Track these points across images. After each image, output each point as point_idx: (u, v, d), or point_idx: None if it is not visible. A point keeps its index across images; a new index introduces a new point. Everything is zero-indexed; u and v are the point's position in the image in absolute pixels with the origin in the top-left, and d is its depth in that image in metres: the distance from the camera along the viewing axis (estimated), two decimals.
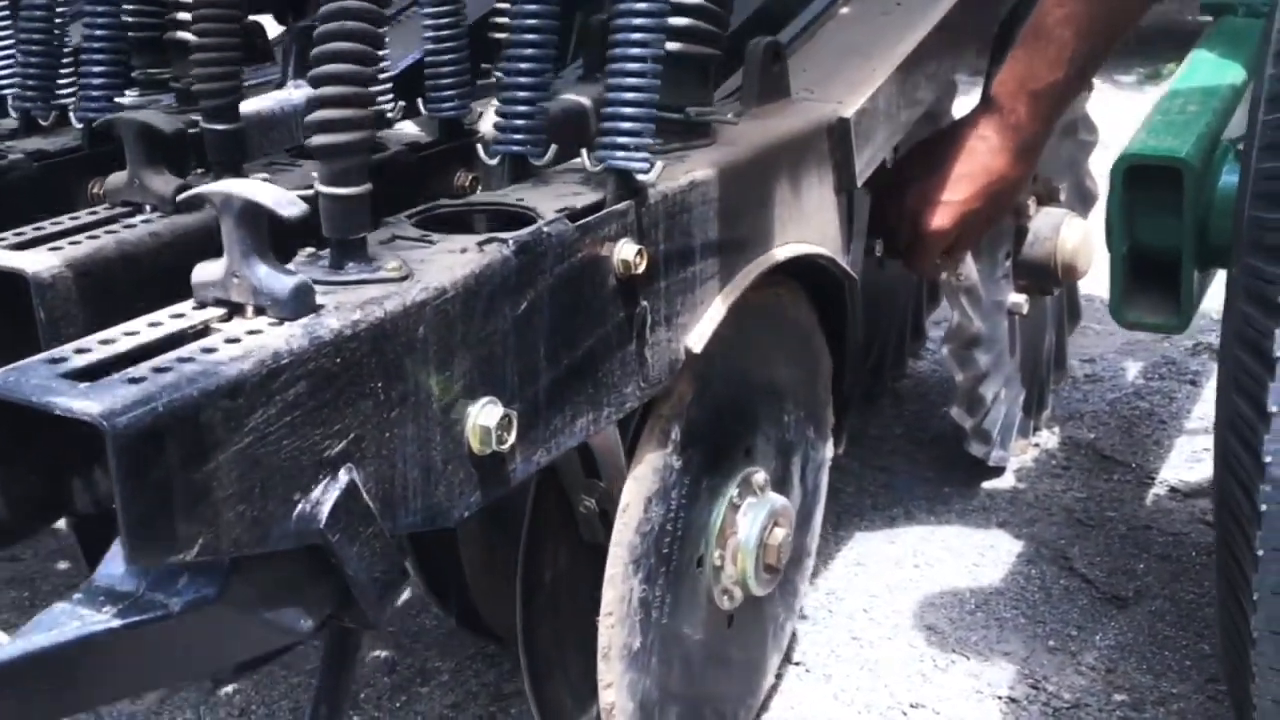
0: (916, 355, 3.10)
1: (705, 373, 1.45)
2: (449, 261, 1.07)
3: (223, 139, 1.33)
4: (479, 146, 1.31)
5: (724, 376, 1.51)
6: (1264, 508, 1.08)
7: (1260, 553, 1.10)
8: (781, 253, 1.50)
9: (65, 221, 1.25)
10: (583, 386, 1.22)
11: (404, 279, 1.02)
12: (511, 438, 1.11)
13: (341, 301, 0.98)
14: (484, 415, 1.09)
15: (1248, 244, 1.16)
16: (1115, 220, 1.59)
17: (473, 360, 1.08)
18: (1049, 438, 2.71)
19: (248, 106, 1.52)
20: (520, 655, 1.48)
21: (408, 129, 1.62)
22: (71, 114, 1.55)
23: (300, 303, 0.94)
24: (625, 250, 1.23)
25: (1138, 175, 1.58)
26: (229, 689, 1.99)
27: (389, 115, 1.56)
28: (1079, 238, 2.37)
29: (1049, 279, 2.40)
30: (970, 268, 2.25)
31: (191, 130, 1.33)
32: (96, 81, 1.53)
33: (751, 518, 1.57)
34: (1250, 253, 1.15)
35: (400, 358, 1.00)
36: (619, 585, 1.38)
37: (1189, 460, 2.58)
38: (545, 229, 1.14)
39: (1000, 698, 1.88)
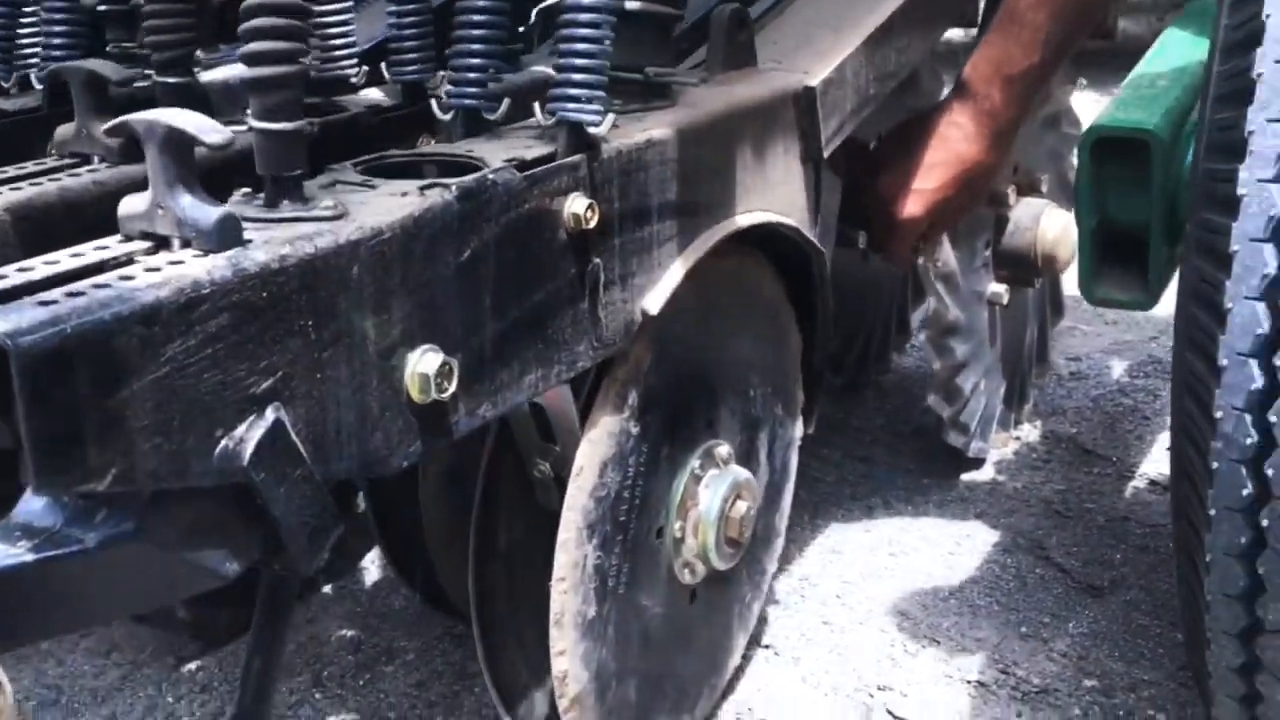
0: (901, 350, 3.09)
1: (664, 339, 1.43)
2: (388, 204, 1.05)
3: (175, 92, 1.31)
4: (433, 102, 1.29)
5: (684, 344, 1.49)
6: (1215, 465, 1.06)
7: (1212, 512, 1.08)
8: (744, 219, 1.48)
9: (9, 170, 1.23)
10: (531, 341, 1.20)
11: (338, 218, 1.01)
12: (452, 387, 1.09)
13: (271, 237, 0.96)
14: (423, 363, 1.07)
15: (1201, 197, 1.14)
16: (1084, 195, 1.57)
17: (412, 306, 1.06)
18: (1030, 431, 2.68)
19: (214, 74, 1.51)
20: (473, 624, 1.46)
21: (372, 95, 1.60)
22: (33, 75, 1.54)
23: (226, 234, 0.92)
24: (576, 204, 1.21)
25: (1107, 149, 1.56)
26: (192, 666, 1.97)
27: (353, 80, 1.54)
28: (1060, 228, 2.35)
29: (1029, 270, 2.38)
30: (949, 255, 2.23)
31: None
32: (57, 41, 1.52)
33: (713, 490, 1.55)
34: (1203, 206, 1.14)
35: (333, 297, 0.99)
36: (572, 550, 1.36)
37: (1169, 455, 2.55)
38: (491, 176, 1.12)
39: (969, 682, 1.86)
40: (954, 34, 2.30)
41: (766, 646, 1.96)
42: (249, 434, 0.93)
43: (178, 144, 0.90)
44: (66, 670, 1.96)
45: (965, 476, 2.50)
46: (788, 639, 1.98)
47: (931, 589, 2.11)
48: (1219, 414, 1.04)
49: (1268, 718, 1.17)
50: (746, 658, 1.89)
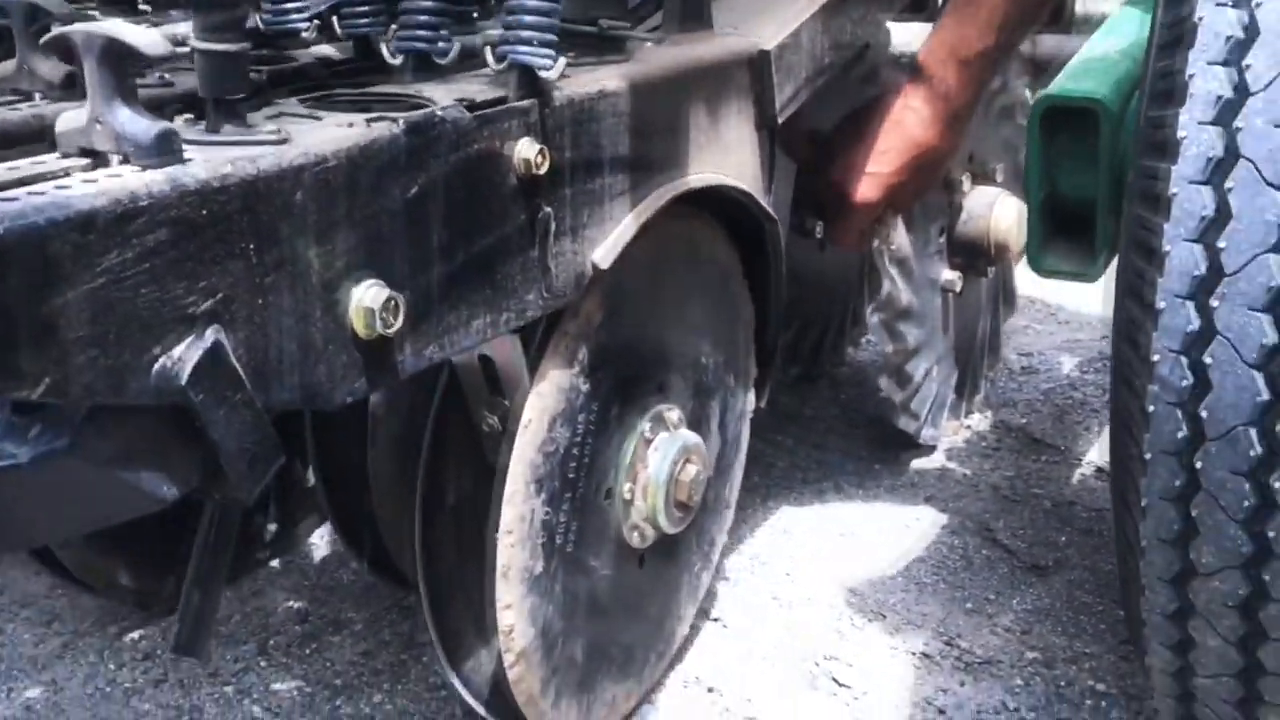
0: (855, 343, 3.10)
1: (615, 297, 1.43)
2: (334, 134, 1.05)
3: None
4: (384, 46, 1.29)
5: (636, 304, 1.49)
6: (1151, 408, 1.07)
7: (1148, 456, 1.09)
8: (697, 180, 1.49)
9: None
10: (480, 285, 1.20)
11: (282, 142, 1.00)
12: (398, 323, 1.09)
13: (212, 156, 0.96)
14: (368, 296, 1.07)
15: (1142, 145, 1.16)
16: (1033, 165, 1.59)
17: (357, 238, 1.06)
18: (981, 421, 2.71)
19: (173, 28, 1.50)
20: (419, 579, 1.46)
21: (322, 50, 1.59)
22: None
23: (165, 149, 0.91)
24: (526, 149, 1.21)
25: (1056, 122, 1.58)
26: (135, 635, 1.95)
27: (303, 35, 1.53)
28: (1013, 216, 2.38)
29: (982, 257, 2.41)
30: (903, 239, 2.24)
31: None
32: None
33: (663, 452, 1.55)
34: (1144, 153, 1.15)
35: (275, 221, 0.98)
36: (519, 504, 1.36)
37: None
38: (439, 113, 1.12)
39: (914, 654, 1.87)
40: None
41: (716, 620, 1.96)
42: (187, 354, 0.92)
43: (117, 56, 0.89)
44: (7, 638, 1.94)
45: (916, 462, 2.52)
46: (737, 613, 1.98)
47: (880, 567, 2.13)
48: (1155, 357, 1.06)
49: (1200, 663, 1.18)
50: (695, 629, 1.89)
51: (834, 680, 1.81)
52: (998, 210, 2.37)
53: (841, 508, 2.35)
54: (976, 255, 2.40)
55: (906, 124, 1.84)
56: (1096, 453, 2.53)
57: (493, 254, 1.21)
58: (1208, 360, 1.04)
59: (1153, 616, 1.17)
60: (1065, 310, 3.43)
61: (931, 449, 2.54)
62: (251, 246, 0.97)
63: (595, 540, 1.51)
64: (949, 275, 2.39)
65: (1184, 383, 1.05)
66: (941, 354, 2.47)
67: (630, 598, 1.63)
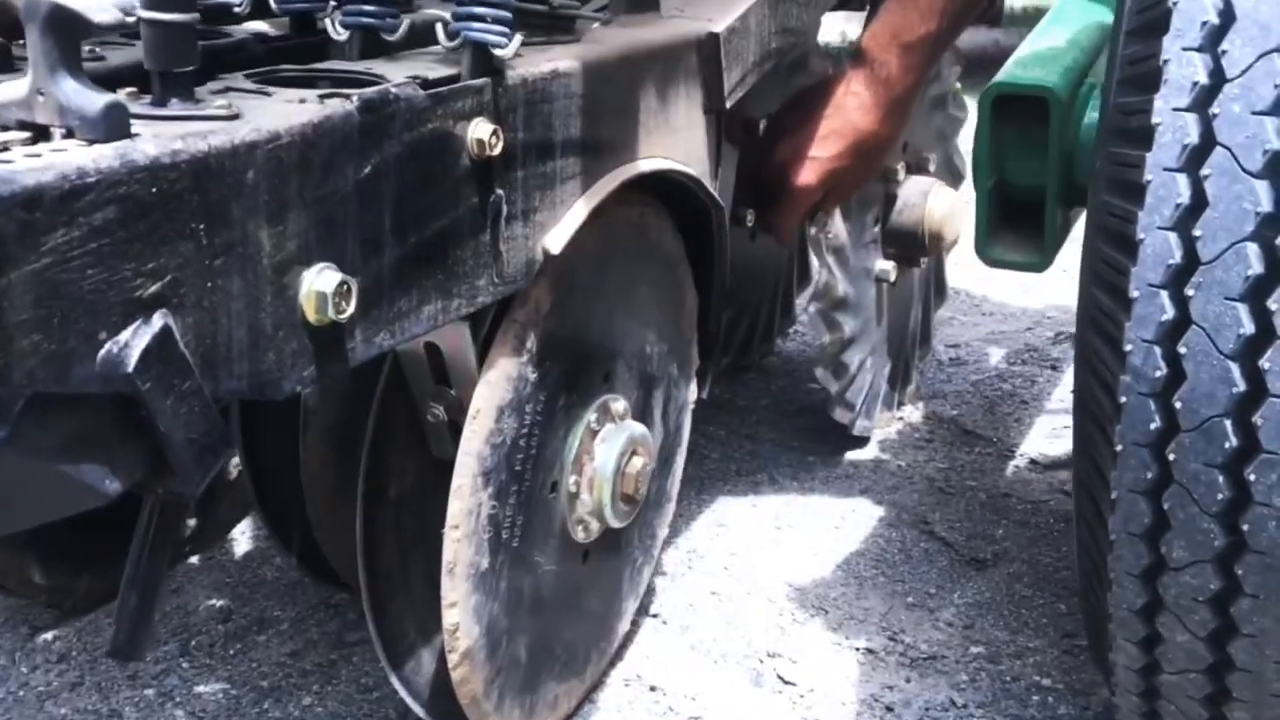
0: (785, 334, 3.09)
1: (564, 284, 1.39)
2: (285, 110, 1.00)
3: None
4: (329, 22, 1.23)
5: (584, 291, 1.45)
6: (1124, 400, 1.06)
7: (1119, 448, 1.07)
8: (647, 164, 1.45)
9: None
10: (431, 270, 1.15)
11: (233, 118, 0.95)
12: (350, 308, 1.04)
13: (162, 131, 0.90)
14: (320, 281, 1.01)
15: (1112, 132, 1.15)
16: (981, 154, 1.58)
17: (310, 220, 1.00)
18: (913, 412, 2.70)
19: None
20: (359, 575, 1.40)
21: (257, 26, 1.53)
22: None
23: (112, 123, 0.85)
24: (480, 129, 1.16)
25: (1004, 110, 1.57)
26: (48, 636, 1.86)
27: (236, 10, 1.47)
28: (947, 206, 2.37)
29: (917, 247, 2.40)
30: (840, 228, 2.23)
31: None
32: None
33: (609, 445, 1.51)
34: (1114, 140, 1.14)
35: (226, 201, 0.93)
36: (467, 498, 1.31)
37: (1049, 436, 2.59)
38: (394, 90, 1.07)
39: (858, 649, 1.85)
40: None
41: (654, 616, 1.93)
42: (135, 340, 0.87)
43: (63, 24, 0.83)
44: None
45: (850, 454, 2.51)
46: (676, 608, 1.95)
47: (818, 561, 2.11)
48: (1128, 347, 1.04)
49: (1166, 659, 1.17)
50: (634, 626, 1.85)
51: (779, 677, 1.78)
52: (932, 200, 2.36)
53: (777, 500, 2.33)
54: (911, 245, 2.40)
55: (848, 109, 1.82)
56: (1030, 444, 2.54)
57: (445, 238, 1.16)
58: (1183, 350, 1.02)
59: (1119, 612, 1.16)
60: (989, 302, 3.46)
61: (865, 440, 2.53)
62: (202, 227, 0.91)
63: (540, 535, 1.47)
64: (883, 265, 2.38)
65: (1158, 373, 1.04)
66: (876, 345, 2.46)
67: (574, 594, 1.59)
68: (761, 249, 2.55)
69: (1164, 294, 1.03)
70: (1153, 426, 1.06)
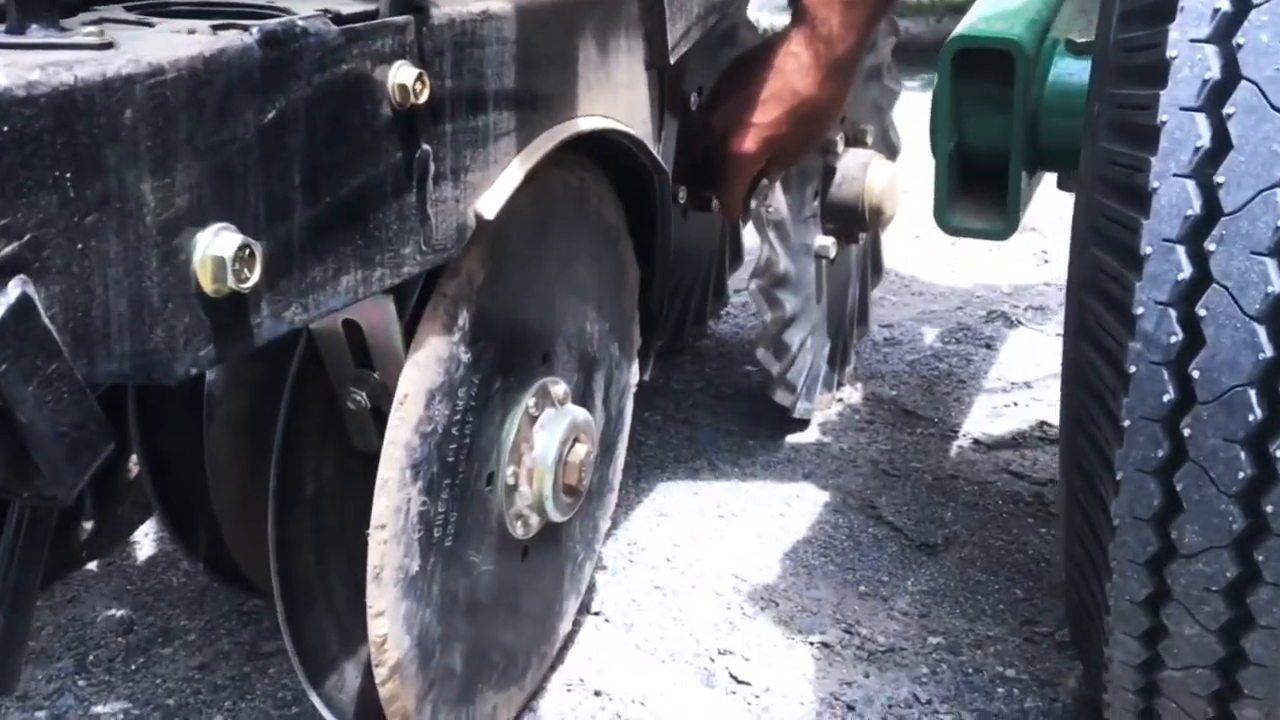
0: (717, 315, 2.98)
1: (498, 255, 1.25)
2: (171, 41, 0.84)
3: None
4: None
5: (520, 263, 1.31)
6: (1132, 370, 0.95)
7: (1125, 424, 0.96)
8: (587, 123, 1.32)
9: None
10: (349, 235, 1.01)
11: (105, 47, 0.79)
12: (254, 277, 0.89)
13: (16, 60, 0.74)
14: (217, 244, 0.86)
15: (1112, 72, 1.04)
16: (941, 114, 1.46)
17: (203, 172, 0.85)
18: (851, 394, 2.60)
19: None
20: (273, 582, 1.25)
21: None
22: None
23: None
24: (403, 73, 1.02)
25: (965, 69, 1.45)
26: None
27: None
28: (886, 180, 2.27)
29: (856, 222, 2.30)
30: (780, 201, 2.12)
31: None
32: None
33: (550, 431, 1.38)
34: (1115, 81, 1.03)
35: (98, 145, 0.77)
36: (394, 494, 1.17)
37: (990, 415, 2.51)
38: (301, 24, 0.92)
39: (813, 643, 1.74)
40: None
41: (596, 613, 1.80)
42: None
43: None
44: None
45: (790, 438, 2.40)
46: (618, 606, 1.82)
47: (764, 550, 1.99)
48: (1139, 310, 0.93)
49: (1170, 653, 1.06)
50: (575, 626, 1.72)
51: (731, 676, 1.66)
52: (872, 173, 2.26)
53: (718, 487, 2.21)
54: (851, 220, 2.29)
55: (788, 71, 1.69)
56: (972, 424, 2.45)
57: (364, 198, 1.02)
58: (1201, 313, 0.91)
59: (1119, 603, 1.05)
60: (919, 281, 3.38)
61: (805, 424, 2.43)
62: (68, 176, 0.76)
63: (476, 533, 1.33)
64: (823, 241, 2.27)
65: (1172, 339, 0.93)
66: (816, 323, 2.35)
67: (512, 595, 1.45)
68: (693, 228, 2.43)
69: (1180, 249, 0.91)
70: (1165, 399, 0.94)
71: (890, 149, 2.56)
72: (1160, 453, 0.96)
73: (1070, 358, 1.15)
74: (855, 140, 2.33)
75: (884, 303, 3.18)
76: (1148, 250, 0.92)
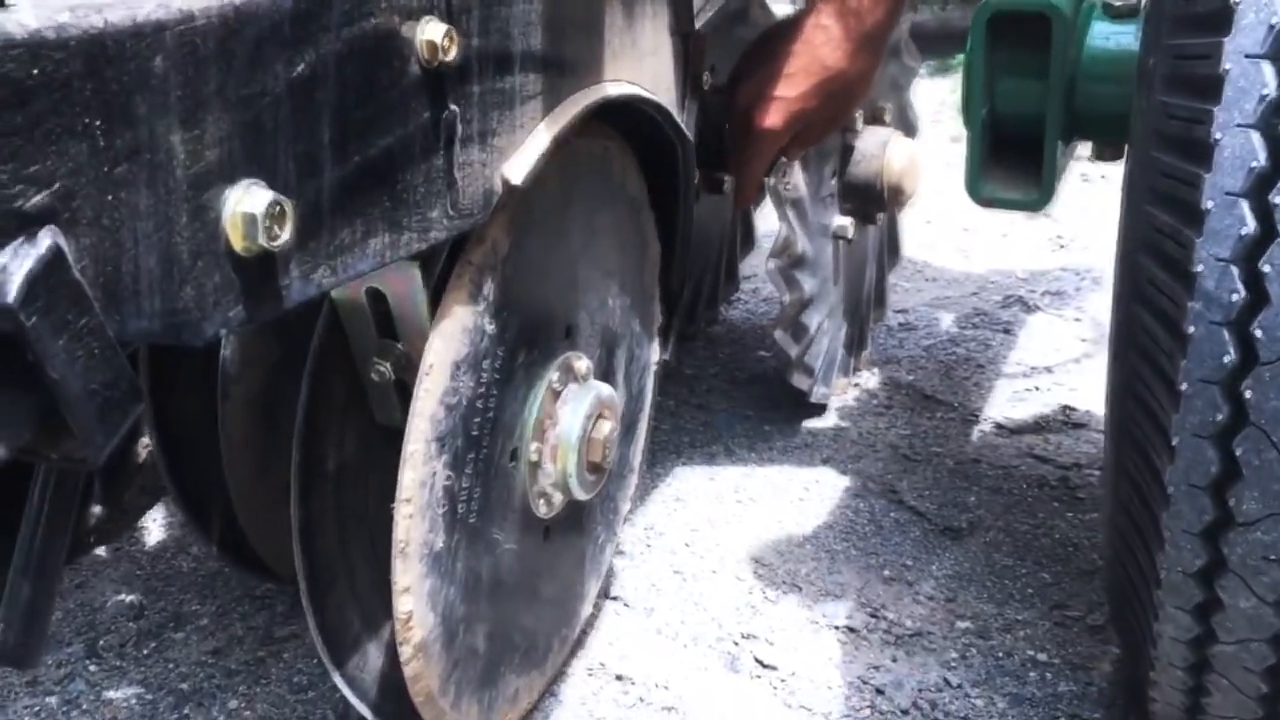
0: (729, 300, 2.95)
1: (523, 224, 1.22)
2: None
3: None
4: None
5: (544, 233, 1.28)
6: (1190, 330, 0.92)
7: (1182, 386, 0.93)
8: (614, 89, 1.28)
9: None
10: (378, 196, 0.98)
11: None
12: (285, 235, 0.86)
13: (43, 3, 0.71)
14: (248, 200, 0.83)
15: (1170, 22, 1.00)
16: (975, 82, 1.43)
17: (233, 124, 0.82)
18: (868, 378, 2.57)
19: None
20: (296, 560, 1.22)
21: None
22: None
23: None
24: (431, 29, 0.99)
25: (999, 34, 1.42)
26: None
27: None
28: (906, 158, 2.24)
29: (875, 201, 2.26)
30: (799, 179, 2.08)
31: None
32: None
33: (573, 407, 1.35)
34: (1174, 31, 0.99)
35: (128, 93, 0.74)
36: (420, 467, 1.13)
37: (1011, 400, 2.48)
38: None
39: (838, 628, 1.71)
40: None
41: (615, 598, 1.77)
42: (15, 262, 0.68)
43: None
44: None
45: (808, 423, 2.37)
46: (638, 590, 1.79)
47: (785, 535, 1.96)
48: (1199, 268, 0.90)
49: (1224, 627, 1.03)
50: (595, 610, 1.69)
51: (756, 660, 1.63)
52: (891, 151, 2.23)
53: (735, 472, 2.18)
54: (869, 200, 2.26)
55: (816, 43, 1.65)
56: (993, 409, 2.42)
57: (392, 158, 0.98)
58: (1266, 269, 0.88)
59: (1171, 575, 1.02)
60: (932, 267, 3.35)
61: (822, 408, 2.40)
62: (98, 125, 0.73)
63: (499, 510, 1.29)
64: (841, 221, 2.24)
65: (1234, 298, 0.90)
66: (833, 306, 2.32)
67: (534, 575, 1.42)
68: (706, 212, 2.39)
69: (1244, 204, 0.88)
70: (1225, 360, 0.91)
71: (908, 127, 2.52)
72: (1219, 417, 0.93)
73: (1120, 322, 1.12)
74: (874, 118, 2.29)
75: (898, 288, 3.15)
76: (1209, 205, 0.89)
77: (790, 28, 1.69)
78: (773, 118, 1.67)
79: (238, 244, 0.83)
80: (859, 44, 1.64)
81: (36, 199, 0.70)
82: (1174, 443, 0.95)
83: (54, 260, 0.70)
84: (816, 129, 1.76)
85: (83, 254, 0.73)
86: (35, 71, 0.68)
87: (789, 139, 1.73)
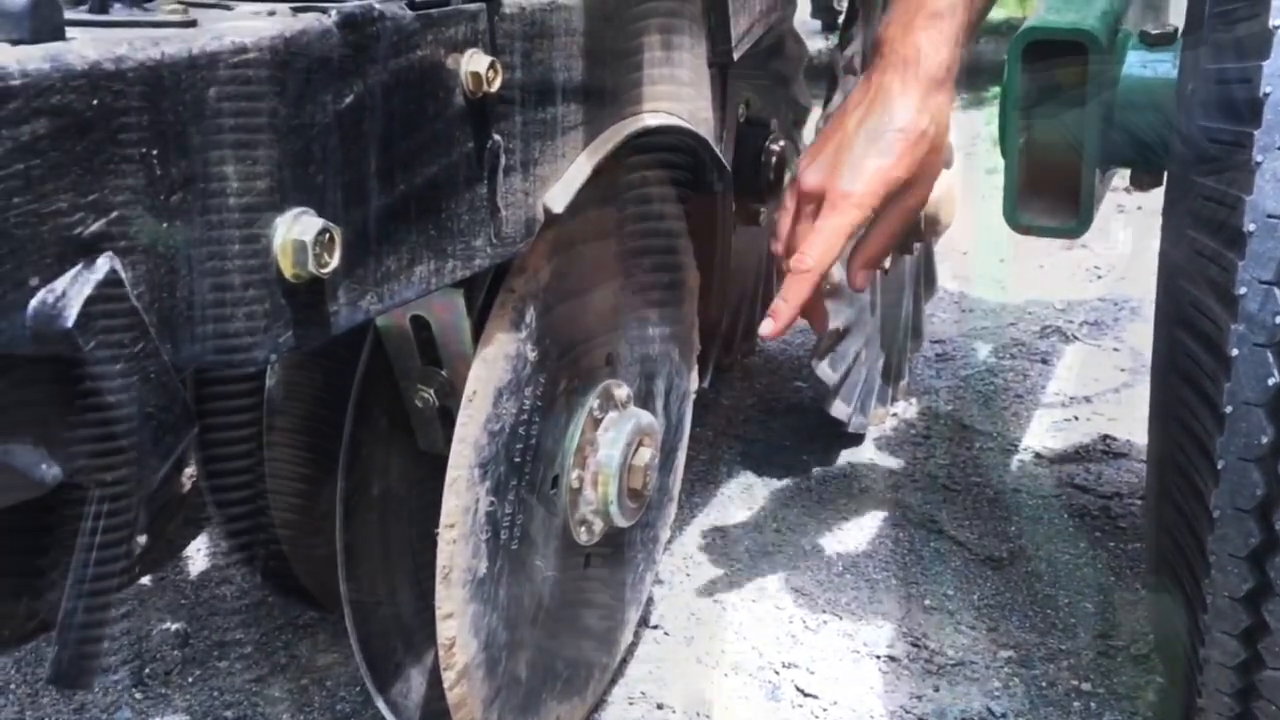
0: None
1: (565, 251, 1.23)
2: (253, 22, 0.83)
3: None
4: None
5: (585, 262, 1.29)
6: (1235, 352, 0.92)
7: (1228, 409, 0.93)
8: (653, 119, 1.30)
9: None
10: (423, 224, 0.99)
11: (189, 25, 0.78)
12: (333, 262, 0.87)
13: (103, 36, 0.73)
14: (298, 227, 0.85)
15: (1211, 46, 1.01)
16: (1011, 109, 1.43)
17: (283, 154, 0.84)
18: (906, 408, 2.57)
19: None
20: (340, 586, 1.23)
21: None
22: None
23: (42, 21, 0.69)
24: (476, 62, 1.01)
25: (1035, 62, 1.43)
26: None
27: None
28: (942, 188, 2.24)
29: (912, 231, 2.26)
30: None
31: None
32: None
33: (614, 434, 1.36)
34: (1213, 57, 1.00)
35: (183, 123, 0.76)
36: (463, 493, 1.14)
37: (1050, 430, 2.46)
38: (379, 7, 0.91)
39: (879, 657, 1.70)
40: None
41: (654, 627, 1.77)
42: (74, 288, 0.70)
43: None
44: None
45: (845, 453, 2.37)
46: (677, 619, 1.79)
47: (824, 564, 1.96)
48: (1242, 290, 0.90)
49: (1273, 651, 1.03)
50: (634, 639, 1.69)
51: (797, 689, 1.63)
52: None
53: (773, 502, 2.18)
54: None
55: (877, 104, 1.56)
56: (1032, 439, 2.41)
57: (438, 187, 1.00)
58: None
59: (1218, 600, 1.01)
60: (969, 298, 3.34)
61: (860, 438, 2.39)
62: (154, 154, 0.75)
63: (540, 537, 1.30)
64: None
65: (1278, 319, 0.90)
66: (870, 335, 2.32)
67: (575, 603, 1.43)
68: (739, 242, 2.40)
69: None
70: (1271, 382, 0.91)
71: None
72: (1265, 439, 0.93)
73: (1162, 347, 1.12)
74: None
75: (934, 319, 3.15)
76: (1251, 227, 0.89)
77: (848, 101, 1.59)
78: (855, 184, 1.50)
79: (288, 271, 0.85)
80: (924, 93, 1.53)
81: (95, 226, 0.72)
82: (1219, 466, 0.95)
83: (111, 286, 0.72)
84: (910, 193, 1.61)
85: (139, 280, 0.75)
86: (95, 102, 0.70)
87: (877, 203, 1.60)
